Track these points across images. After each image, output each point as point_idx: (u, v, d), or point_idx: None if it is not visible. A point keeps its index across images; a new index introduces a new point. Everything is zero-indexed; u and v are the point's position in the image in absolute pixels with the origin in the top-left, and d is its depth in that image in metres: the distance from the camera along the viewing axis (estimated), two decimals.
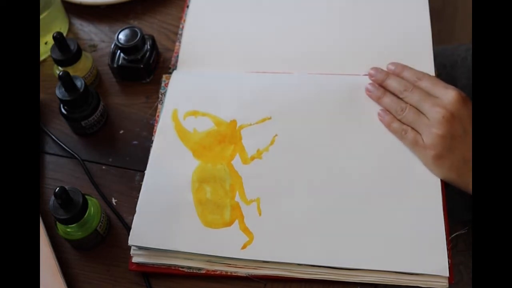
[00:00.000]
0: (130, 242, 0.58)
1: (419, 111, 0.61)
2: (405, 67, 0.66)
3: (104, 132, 0.69)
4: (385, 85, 0.65)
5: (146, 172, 0.63)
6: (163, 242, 0.58)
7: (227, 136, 0.64)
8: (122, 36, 0.68)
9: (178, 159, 0.63)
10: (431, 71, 0.66)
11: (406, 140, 0.61)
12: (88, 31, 0.77)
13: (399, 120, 0.62)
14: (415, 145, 0.60)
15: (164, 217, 0.59)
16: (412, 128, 0.61)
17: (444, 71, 0.82)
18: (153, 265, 0.58)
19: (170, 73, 0.70)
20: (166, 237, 0.58)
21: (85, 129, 0.67)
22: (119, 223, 0.62)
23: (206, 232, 0.58)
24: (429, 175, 0.60)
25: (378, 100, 0.64)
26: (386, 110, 0.64)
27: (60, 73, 0.62)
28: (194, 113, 0.66)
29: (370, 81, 0.66)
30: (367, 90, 0.65)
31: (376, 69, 0.66)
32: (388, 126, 0.63)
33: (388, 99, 0.63)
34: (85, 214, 0.57)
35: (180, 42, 0.73)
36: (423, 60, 0.67)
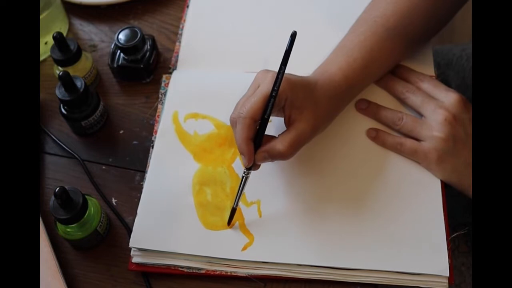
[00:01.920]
0: (131, 244, 0.58)
1: (416, 117, 0.61)
2: (405, 68, 0.66)
3: (104, 132, 0.69)
4: (386, 86, 0.65)
5: (147, 174, 0.63)
6: (164, 244, 0.58)
7: (228, 139, 0.64)
8: (122, 36, 0.68)
9: (179, 162, 0.63)
10: (431, 72, 0.66)
11: (404, 152, 0.61)
12: (88, 31, 0.77)
13: (397, 130, 0.62)
14: (414, 154, 0.60)
15: (165, 220, 0.59)
16: (410, 137, 0.61)
17: (439, 70, 0.82)
18: (153, 265, 0.58)
19: (170, 73, 0.70)
20: (167, 239, 0.58)
21: (85, 129, 0.67)
22: (119, 223, 0.62)
23: (207, 234, 0.58)
24: (430, 176, 0.60)
25: (372, 115, 0.64)
26: (374, 128, 0.63)
27: (60, 73, 0.62)
28: (195, 116, 0.66)
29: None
30: (358, 107, 0.64)
31: None
32: (383, 144, 0.62)
33: (383, 112, 0.63)
34: (85, 214, 0.57)
35: (180, 42, 0.73)
36: (423, 60, 0.67)
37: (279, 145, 0.55)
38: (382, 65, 0.63)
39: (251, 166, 0.56)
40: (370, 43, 0.61)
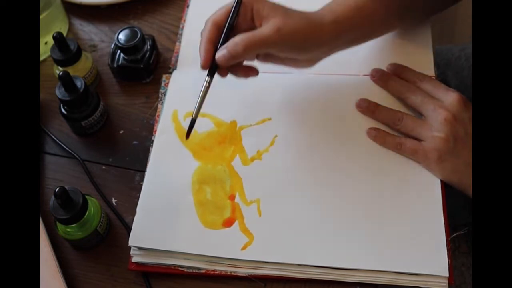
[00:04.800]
0: (130, 243, 0.58)
1: (416, 117, 0.61)
2: (405, 68, 0.66)
3: (104, 132, 0.69)
4: (386, 85, 0.65)
5: (146, 173, 0.63)
6: (163, 243, 0.58)
7: (227, 137, 0.64)
8: (122, 36, 0.68)
9: (178, 160, 0.63)
10: (431, 72, 0.66)
11: (404, 152, 0.60)
12: (88, 31, 0.77)
13: (397, 130, 0.62)
14: (414, 154, 0.60)
15: (164, 218, 0.59)
16: (410, 137, 0.61)
17: (438, 70, 0.82)
18: (153, 264, 0.58)
19: (170, 73, 0.70)
20: (166, 238, 0.58)
21: (85, 129, 0.67)
22: (119, 223, 0.62)
23: (206, 233, 0.58)
24: (429, 175, 0.60)
25: (372, 115, 0.63)
26: (374, 127, 0.63)
27: (60, 73, 0.62)
28: None
29: (371, 82, 0.66)
30: (359, 106, 0.64)
31: (377, 70, 0.66)
32: (383, 143, 0.62)
33: (383, 111, 0.63)
34: (85, 214, 0.57)
35: (180, 42, 0.73)
36: (423, 60, 0.67)
37: (237, 39, 0.55)
38: (374, 21, 0.62)
39: (210, 70, 0.57)
40: None
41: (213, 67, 0.57)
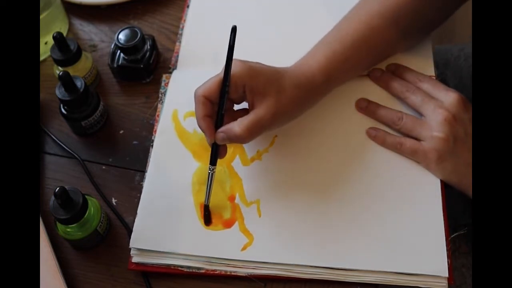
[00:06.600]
0: (131, 245, 0.58)
1: (415, 117, 0.61)
2: (405, 68, 0.66)
3: (104, 132, 0.69)
4: (386, 85, 0.65)
5: (147, 174, 0.63)
6: (164, 244, 0.58)
7: None
8: (122, 36, 0.68)
9: (178, 161, 0.63)
10: (431, 72, 0.66)
11: (404, 152, 0.61)
12: (88, 31, 0.77)
13: (397, 130, 0.62)
14: (414, 154, 0.60)
15: (165, 219, 0.59)
16: (410, 137, 0.61)
17: (437, 70, 0.82)
18: (153, 264, 0.58)
19: (170, 73, 0.70)
20: (167, 239, 0.58)
21: (85, 129, 0.67)
22: (119, 223, 0.62)
23: (206, 234, 0.58)
24: (430, 176, 0.60)
25: (372, 114, 0.64)
26: (374, 127, 0.63)
27: (60, 73, 0.62)
28: (194, 114, 0.66)
29: (371, 82, 0.66)
30: (358, 106, 0.64)
31: (377, 70, 0.66)
32: (382, 143, 0.62)
33: (383, 111, 0.63)
34: (85, 214, 0.57)
35: (180, 42, 0.73)
36: (423, 60, 0.67)
37: (236, 127, 0.55)
38: (363, 59, 0.63)
39: (212, 159, 0.58)
40: (351, 38, 0.61)
41: (214, 157, 0.58)
